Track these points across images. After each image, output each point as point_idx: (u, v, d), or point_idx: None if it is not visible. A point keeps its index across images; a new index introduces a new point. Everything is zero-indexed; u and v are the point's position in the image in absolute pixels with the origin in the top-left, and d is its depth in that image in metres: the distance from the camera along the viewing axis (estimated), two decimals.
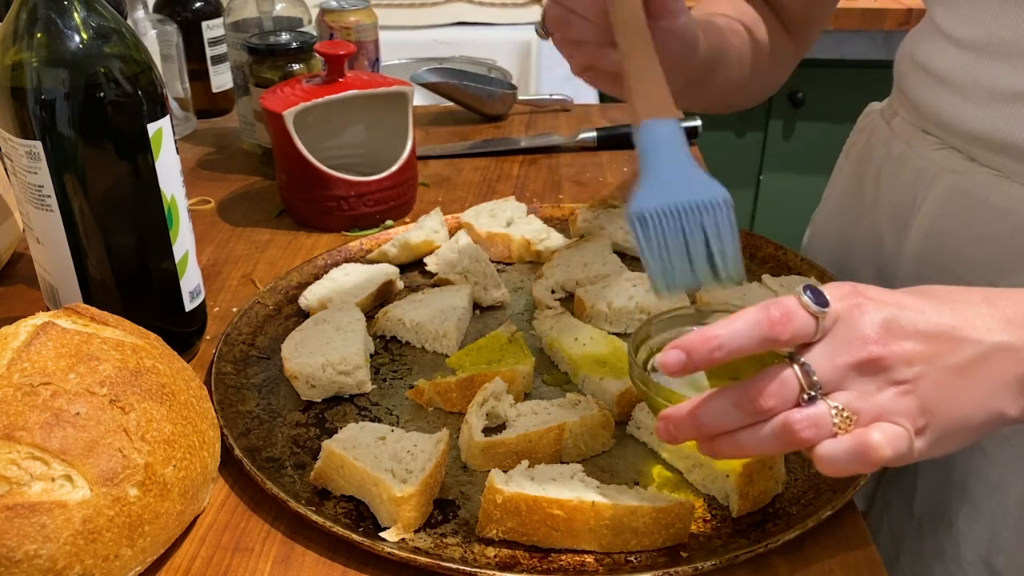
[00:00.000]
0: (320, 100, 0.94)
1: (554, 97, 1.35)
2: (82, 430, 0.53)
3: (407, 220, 1.01)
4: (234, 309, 0.84)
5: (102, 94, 0.64)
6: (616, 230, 0.92)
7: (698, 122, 1.18)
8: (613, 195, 1.07)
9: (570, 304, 0.83)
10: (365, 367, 0.73)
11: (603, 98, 1.45)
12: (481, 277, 0.85)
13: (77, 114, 0.64)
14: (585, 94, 1.37)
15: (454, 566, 0.55)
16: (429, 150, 1.19)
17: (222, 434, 0.65)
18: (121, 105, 0.65)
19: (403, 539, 0.58)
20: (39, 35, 0.63)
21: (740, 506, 0.59)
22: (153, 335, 0.65)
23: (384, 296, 0.85)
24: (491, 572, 0.54)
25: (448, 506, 0.61)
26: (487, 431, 0.66)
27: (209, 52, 1.30)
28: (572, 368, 0.73)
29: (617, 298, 0.79)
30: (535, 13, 1.93)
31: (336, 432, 0.65)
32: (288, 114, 0.93)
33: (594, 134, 1.20)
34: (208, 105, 1.34)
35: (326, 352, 0.72)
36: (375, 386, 0.73)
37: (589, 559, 0.57)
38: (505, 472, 0.59)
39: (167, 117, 0.69)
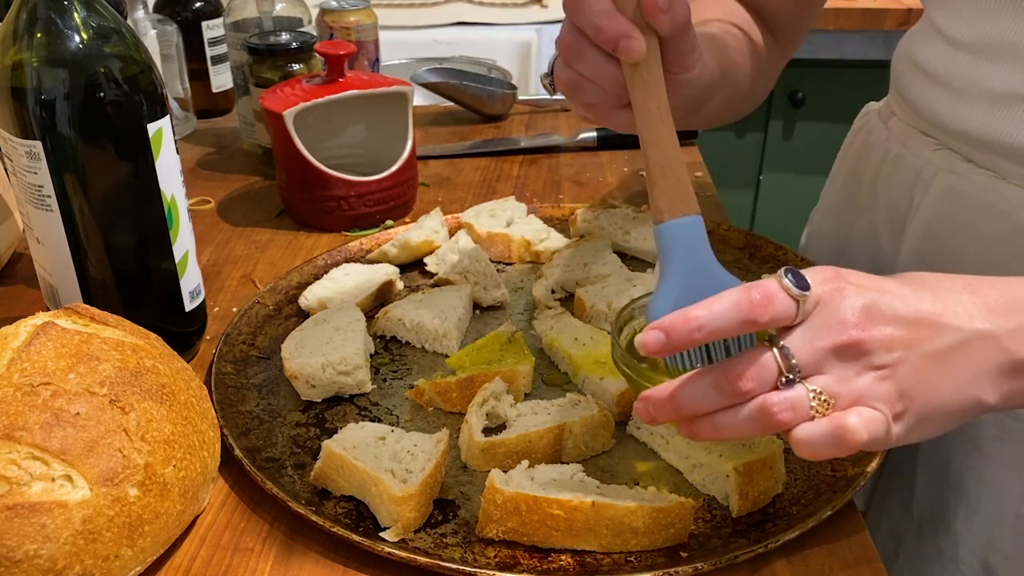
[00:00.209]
0: (320, 100, 0.94)
1: (554, 97, 1.34)
2: (82, 430, 0.53)
3: (407, 220, 1.01)
4: (234, 309, 0.84)
5: (102, 94, 0.64)
6: (616, 230, 0.92)
7: None
8: (613, 195, 1.07)
9: (570, 304, 0.83)
10: (365, 367, 0.73)
11: None
12: (481, 277, 0.85)
13: (77, 114, 0.64)
14: None
15: (454, 566, 0.55)
16: (429, 150, 1.19)
17: (222, 434, 0.65)
18: (121, 105, 0.65)
19: (403, 539, 0.58)
20: (39, 35, 0.63)
21: (740, 506, 0.59)
22: (153, 335, 0.65)
23: (384, 296, 0.85)
24: (491, 572, 0.54)
25: (448, 506, 0.61)
26: (487, 431, 0.66)
27: (209, 52, 1.30)
28: (572, 368, 0.73)
29: (617, 298, 0.79)
30: (535, 13, 1.92)
31: (336, 432, 0.64)
32: (288, 114, 0.93)
33: (594, 134, 1.20)
34: (208, 105, 1.34)
35: (326, 352, 0.72)
36: (375, 386, 0.73)
37: (589, 559, 0.57)
38: (505, 472, 0.59)
39: (167, 117, 0.69)
